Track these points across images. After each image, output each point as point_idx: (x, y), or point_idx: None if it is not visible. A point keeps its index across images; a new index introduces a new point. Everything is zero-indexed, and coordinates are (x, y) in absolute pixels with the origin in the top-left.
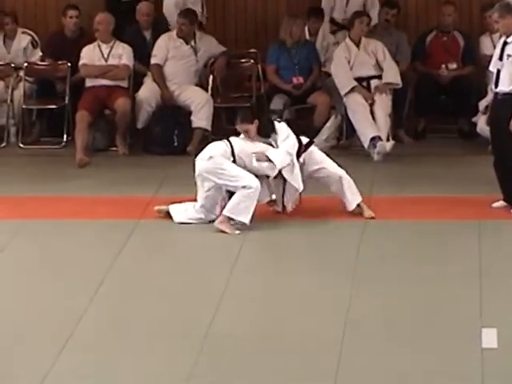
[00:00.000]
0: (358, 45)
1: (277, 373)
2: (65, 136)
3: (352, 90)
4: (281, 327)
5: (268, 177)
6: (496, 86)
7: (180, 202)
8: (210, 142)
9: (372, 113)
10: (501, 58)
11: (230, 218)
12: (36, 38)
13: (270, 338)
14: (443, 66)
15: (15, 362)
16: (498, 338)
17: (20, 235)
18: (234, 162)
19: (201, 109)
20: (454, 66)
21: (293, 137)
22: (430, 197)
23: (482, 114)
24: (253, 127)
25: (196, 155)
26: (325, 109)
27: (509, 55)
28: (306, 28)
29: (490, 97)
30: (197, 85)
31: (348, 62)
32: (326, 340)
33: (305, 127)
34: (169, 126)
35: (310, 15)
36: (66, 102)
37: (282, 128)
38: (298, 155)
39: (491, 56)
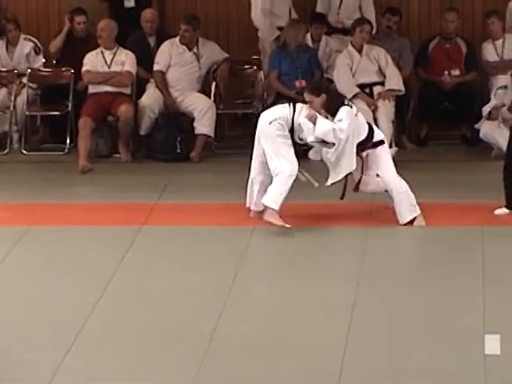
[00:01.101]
0: (360, 51)
1: (280, 377)
2: (68, 142)
3: (355, 96)
4: (286, 331)
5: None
6: None
7: (182, 210)
8: (213, 150)
9: (375, 119)
10: None
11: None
12: (38, 44)
13: (275, 342)
14: (446, 72)
15: (19, 366)
16: (501, 344)
17: (23, 242)
18: (292, 128)
19: (204, 115)
20: (456, 72)
21: (348, 122)
22: (434, 203)
23: (486, 119)
24: (318, 100)
25: (199, 162)
26: None
27: None
28: (309, 34)
29: (493, 102)
30: (199, 91)
31: (350, 68)
32: (330, 344)
33: None
34: (172, 133)
35: (313, 21)
36: (69, 108)
37: (343, 111)
38: (364, 147)
39: (494, 62)
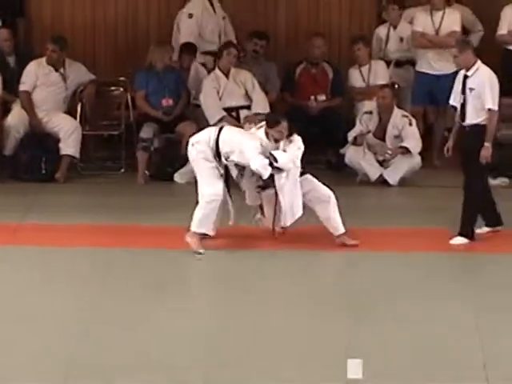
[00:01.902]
0: (227, 75)
1: None
2: None
3: (221, 119)
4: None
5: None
6: (463, 119)
7: (47, 230)
8: (78, 171)
9: None
10: (463, 92)
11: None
12: None
13: (264, 364)
14: (312, 97)
15: None
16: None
17: None
18: (218, 148)
19: (69, 136)
20: (322, 97)
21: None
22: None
23: (351, 145)
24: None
25: (64, 182)
26: None
27: (471, 89)
28: (179, 62)
29: (358, 128)
30: (65, 112)
31: (217, 91)
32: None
33: (173, 156)
34: (37, 153)
35: (182, 52)
36: None
37: (298, 139)
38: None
39: (360, 88)
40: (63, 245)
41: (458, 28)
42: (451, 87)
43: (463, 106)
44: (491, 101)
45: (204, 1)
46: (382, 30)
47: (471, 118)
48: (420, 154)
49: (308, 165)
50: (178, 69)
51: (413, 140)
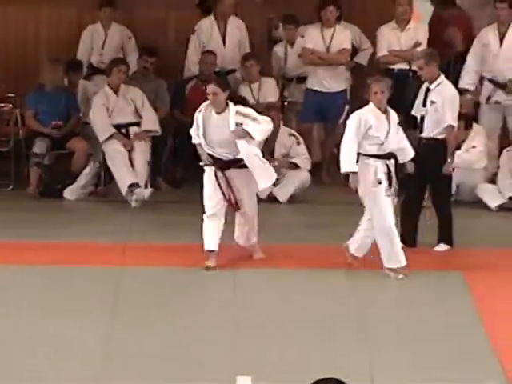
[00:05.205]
0: (116, 92)
1: None
2: None
3: (110, 137)
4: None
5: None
6: (421, 131)
7: None
8: None
9: (131, 160)
10: (424, 105)
11: None
12: None
13: None
14: None
15: None
16: None
17: None
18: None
19: None
20: None
21: None
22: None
23: None
24: (222, 94)
25: None
26: (83, 155)
27: (432, 102)
28: (66, 80)
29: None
30: None
31: (107, 108)
32: None
33: (64, 172)
34: None
35: (69, 69)
36: None
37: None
38: None
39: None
40: None
41: (348, 45)
42: (340, 104)
43: (422, 118)
44: (451, 117)
45: (212, 20)
46: (279, 49)
47: (428, 131)
48: (309, 170)
49: (192, 182)
50: (69, 89)
51: (302, 158)
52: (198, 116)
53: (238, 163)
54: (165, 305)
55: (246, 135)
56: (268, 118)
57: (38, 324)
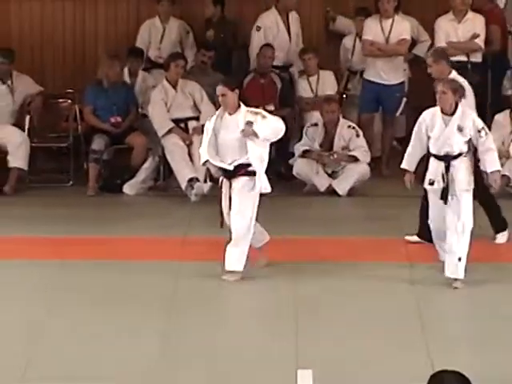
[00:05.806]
0: (175, 86)
1: None
2: None
3: (169, 131)
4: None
5: None
6: None
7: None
8: (27, 183)
9: (190, 154)
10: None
11: None
12: None
13: None
14: (261, 107)
15: None
16: (314, 379)
17: None
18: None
19: (17, 149)
20: (271, 107)
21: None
22: None
23: (299, 157)
24: (231, 94)
25: (13, 195)
26: (142, 150)
27: None
28: (127, 68)
29: (304, 141)
30: (13, 124)
31: (165, 103)
32: None
33: (123, 167)
34: None
35: (130, 55)
36: None
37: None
38: None
39: (308, 98)
40: (10, 257)
41: (407, 36)
42: (398, 97)
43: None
44: None
45: (276, 15)
46: (348, 41)
47: None
48: (368, 163)
49: None
50: (128, 84)
51: (361, 151)
52: (211, 120)
53: (245, 168)
54: (224, 299)
55: (255, 134)
56: (279, 118)
57: (95, 319)
